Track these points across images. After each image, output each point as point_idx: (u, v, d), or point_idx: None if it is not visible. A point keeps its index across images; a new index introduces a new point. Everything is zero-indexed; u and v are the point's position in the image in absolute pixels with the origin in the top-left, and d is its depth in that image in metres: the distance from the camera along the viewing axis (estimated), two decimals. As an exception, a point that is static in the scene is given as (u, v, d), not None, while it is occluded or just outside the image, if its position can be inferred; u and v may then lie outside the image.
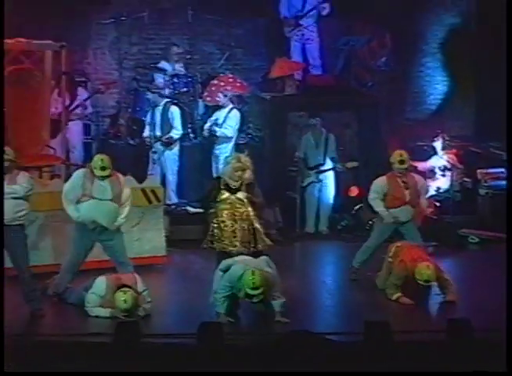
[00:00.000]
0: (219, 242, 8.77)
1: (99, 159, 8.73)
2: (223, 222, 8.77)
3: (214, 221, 8.82)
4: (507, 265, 7.94)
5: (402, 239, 9.41)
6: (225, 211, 8.78)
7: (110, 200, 8.67)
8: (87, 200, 8.62)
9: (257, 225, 8.82)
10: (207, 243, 8.86)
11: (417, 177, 9.77)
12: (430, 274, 8.78)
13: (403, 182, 9.42)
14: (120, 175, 8.88)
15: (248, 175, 8.77)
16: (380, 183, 9.51)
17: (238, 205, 8.77)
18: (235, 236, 8.73)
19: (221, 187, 8.80)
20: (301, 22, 12.92)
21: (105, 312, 8.45)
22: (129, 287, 8.39)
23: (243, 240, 8.74)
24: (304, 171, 12.02)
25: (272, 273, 8.22)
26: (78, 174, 8.87)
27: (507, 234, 8.93)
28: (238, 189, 8.77)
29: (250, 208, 8.79)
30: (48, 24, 12.19)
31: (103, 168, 8.65)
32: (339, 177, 12.26)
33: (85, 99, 12.42)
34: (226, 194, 8.76)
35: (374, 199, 9.54)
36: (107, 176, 8.68)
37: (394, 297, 8.93)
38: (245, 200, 8.78)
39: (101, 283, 8.47)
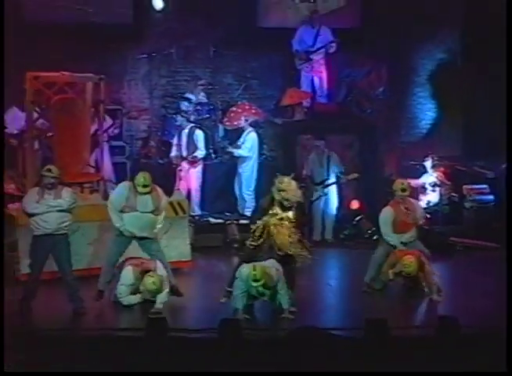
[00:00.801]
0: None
1: (141, 177, 8.62)
2: (268, 232, 8.40)
3: (260, 231, 8.41)
4: (507, 268, 7.79)
5: None
6: (273, 225, 8.38)
7: (151, 212, 8.65)
8: (129, 211, 8.59)
9: (296, 249, 8.47)
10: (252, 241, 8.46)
11: (415, 202, 9.64)
12: (411, 268, 8.78)
13: (405, 208, 9.21)
14: (158, 189, 8.79)
15: (290, 195, 8.35)
16: (387, 214, 9.19)
17: (286, 223, 8.38)
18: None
19: (276, 204, 8.39)
20: (311, 56, 12.93)
21: (135, 298, 8.48)
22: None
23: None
24: (311, 187, 11.99)
25: (275, 271, 8.17)
26: (123, 186, 8.81)
27: (507, 238, 8.64)
28: (290, 208, 8.42)
29: (294, 229, 8.42)
30: (89, 59, 12.23)
31: (145, 186, 8.57)
32: (342, 192, 12.23)
33: (111, 126, 12.34)
34: (278, 210, 8.39)
35: (388, 233, 9.14)
36: (148, 193, 8.63)
37: (391, 274, 8.91)
38: (293, 219, 8.41)
39: (128, 273, 8.48)
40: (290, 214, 8.40)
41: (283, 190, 8.37)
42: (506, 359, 6.04)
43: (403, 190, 9.23)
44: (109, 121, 12.40)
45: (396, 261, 8.93)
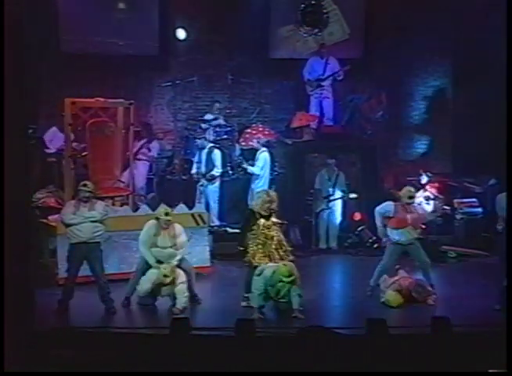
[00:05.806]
0: (256, 258, 8.55)
1: (162, 207, 8.78)
2: (261, 242, 8.55)
3: (254, 242, 8.57)
4: (507, 269, 7.69)
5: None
6: (263, 234, 8.56)
7: (170, 247, 8.68)
8: (154, 247, 8.66)
9: (284, 243, 8.67)
10: (249, 258, 8.62)
11: (418, 207, 9.57)
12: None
13: (407, 206, 9.08)
14: (177, 226, 8.82)
15: (275, 205, 8.63)
16: (388, 204, 9.12)
17: (271, 228, 8.57)
18: (268, 254, 8.54)
19: (257, 216, 8.61)
20: (321, 84, 12.94)
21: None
22: None
23: (274, 256, 8.53)
24: (317, 200, 11.97)
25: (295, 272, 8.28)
26: (151, 225, 8.76)
27: (507, 238, 8.48)
28: (269, 216, 8.62)
29: (279, 230, 8.64)
30: (120, 87, 12.31)
31: (167, 214, 8.65)
32: (345, 205, 12.22)
33: (142, 146, 12.39)
34: (262, 221, 8.57)
35: (379, 214, 9.08)
36: (170, 221, 8.64)
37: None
38: (276, 222, 8.63)
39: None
40: (273, 219, 8.62)
41: (270, 202, 8.62)
42: (507, 359, 5.79)
43: (410, 198, 9.10)
44: (142, 141, 12.47)
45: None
